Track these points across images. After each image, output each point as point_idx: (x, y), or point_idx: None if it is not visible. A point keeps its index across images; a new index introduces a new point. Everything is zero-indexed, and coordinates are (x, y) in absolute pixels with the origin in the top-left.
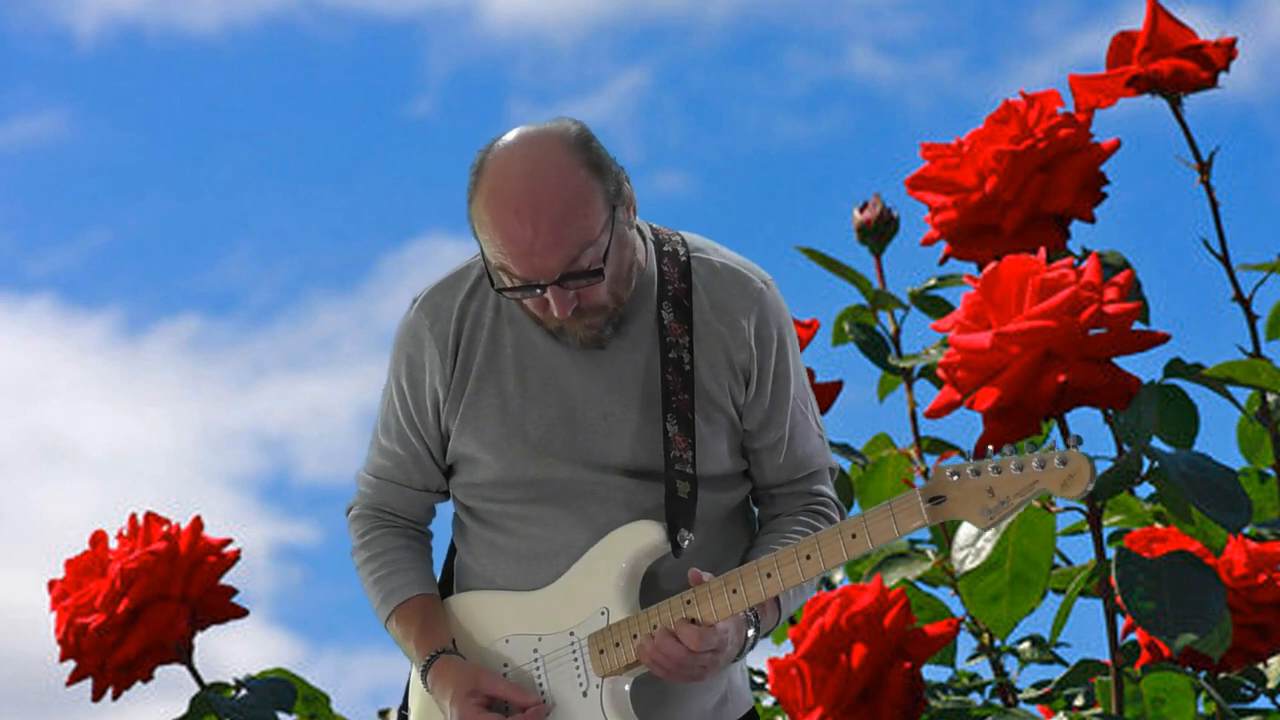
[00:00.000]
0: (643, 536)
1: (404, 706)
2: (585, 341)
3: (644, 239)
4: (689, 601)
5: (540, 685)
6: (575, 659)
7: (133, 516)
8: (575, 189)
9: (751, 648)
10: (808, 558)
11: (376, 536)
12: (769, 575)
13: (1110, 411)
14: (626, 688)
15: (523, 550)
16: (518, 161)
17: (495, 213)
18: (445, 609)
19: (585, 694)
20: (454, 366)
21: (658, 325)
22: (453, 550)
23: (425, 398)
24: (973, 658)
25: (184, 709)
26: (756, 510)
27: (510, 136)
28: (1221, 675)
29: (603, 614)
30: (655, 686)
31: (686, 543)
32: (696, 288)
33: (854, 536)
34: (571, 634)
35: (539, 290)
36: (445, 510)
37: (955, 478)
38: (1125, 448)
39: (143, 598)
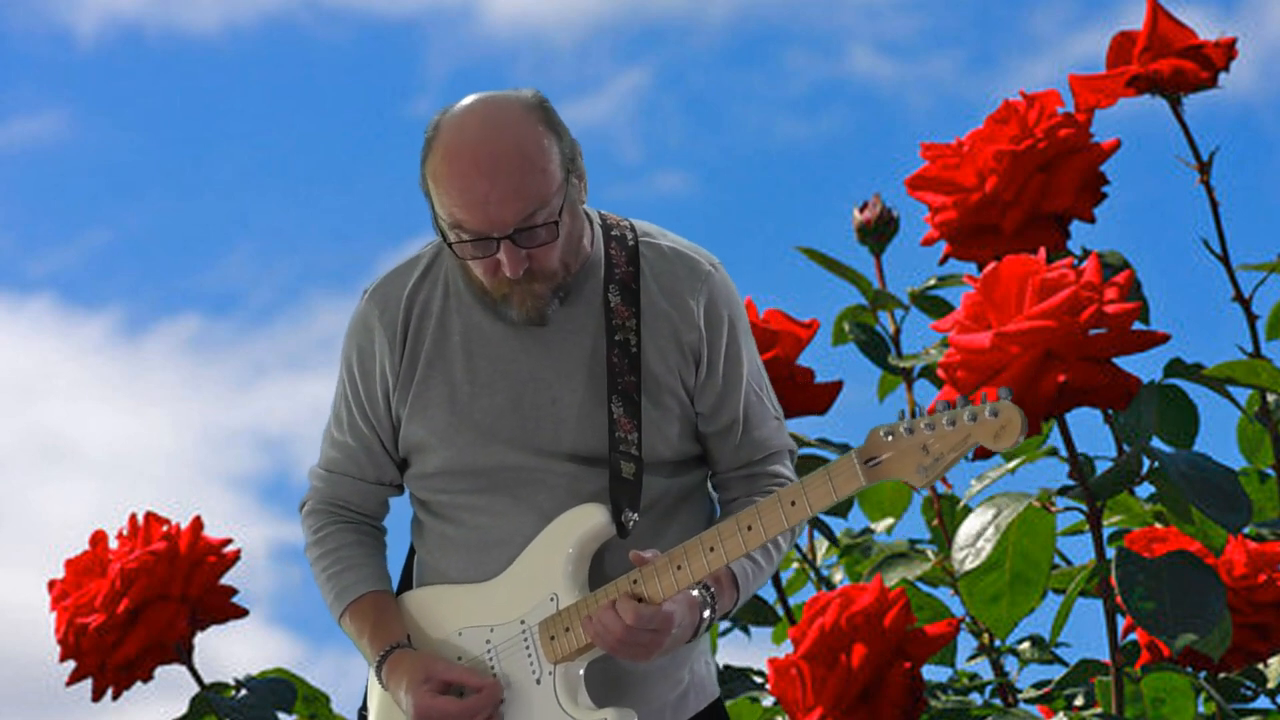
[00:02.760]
0: (587, 519)
1: (363, 707)
2: (529, 314)
3: (590, 222)
4: (635, 581)
5: (495, 676)
6: (527, 647)
7: (133, 516)
8: (533, 145)
9: (708, 628)
10: (749, 528)
11: (330, 533)
12: (712, 549)
13: (1110, 411)
14: (580, 672)
15: (473, 540)
16: (476, 119)
17: (452, 165)
18: (399, 606)
19: (539, 681)
20: (402, 354)
21: (604, 308)
22: (412, 552)
23: (376, 387)
24: (973, 658)
25: (184, 709)
26: (716, 495)
27: (467, 100)
28: (1221, 675)
29: (552, 600)
30: (610, 678)
31: (631, 523)
32: (644, 271)
33: (793, 504)
34: (522, 623)
35: (492, 245)
36: (405, 514)
37: (890, 438)
38: (1125, 448)
39: (143, 598)
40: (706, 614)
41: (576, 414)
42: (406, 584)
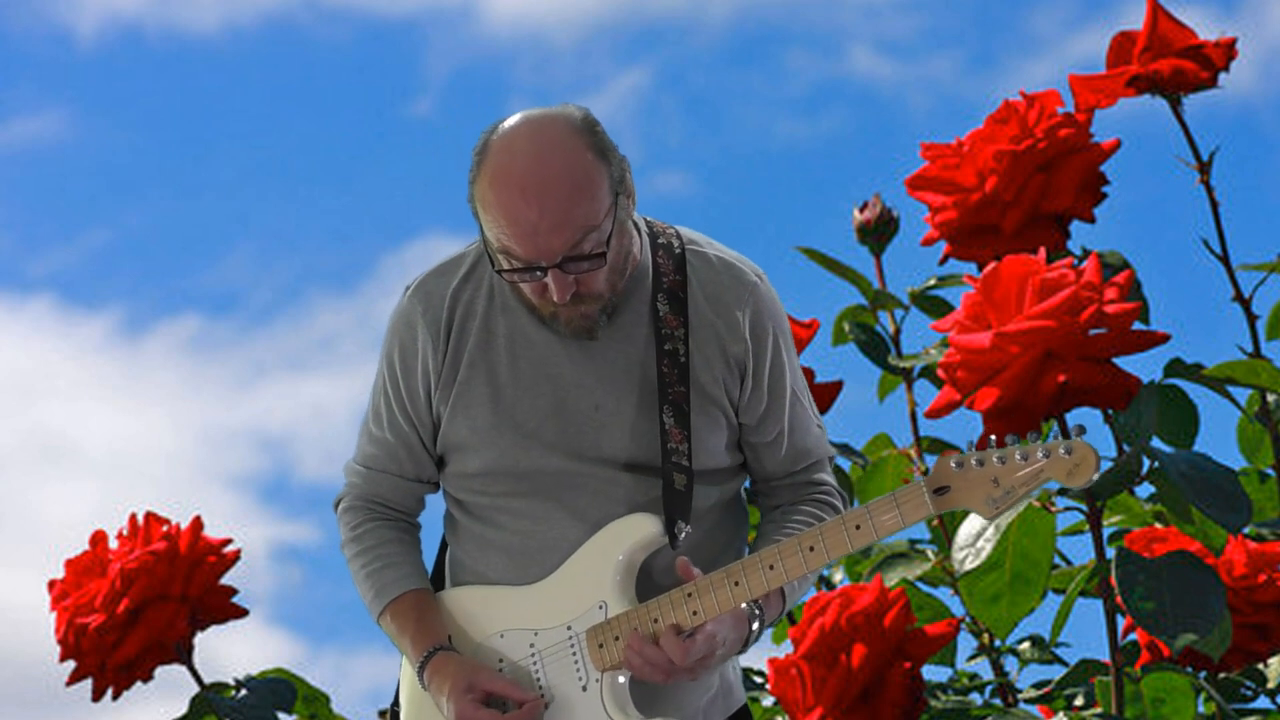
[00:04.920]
0: (639, 529)
1: (395, 703)
2: (578, 331)
3: (639, 231)
4: (690, 594)
5: (538, 680)
6: (574, 654)
7: (133, 516)
8: (582, 171)
9: (756, 640)
10: (811, 549)
11: (369, 529)
12: (771, 567)
13: (1110, 411)
14: (624, 681)
15: (514, 544)
16: (524, 143)
17: (500, 193)
18: (440, 604)
19: (585, 689)
20: (445, 353)
21: (652, 317)
22: (444, 546)
23: (417, 384)
24: (973, 658)
25: (184, 709)
26: (758, 501)
27: (515, 119)
28: (1221, 675)
29: (600, 608)
30: (647, 684)
31: (684, 535)
32: (691, 280)
33: (858, 528)
34: (569, 628)
35: (539, 273)
36: (436, 505)
37: (959, 468)
38: (1125, 448)
39: (143, 598)
40: (755, 626)
41: (620, 422)
42: (439, 577)
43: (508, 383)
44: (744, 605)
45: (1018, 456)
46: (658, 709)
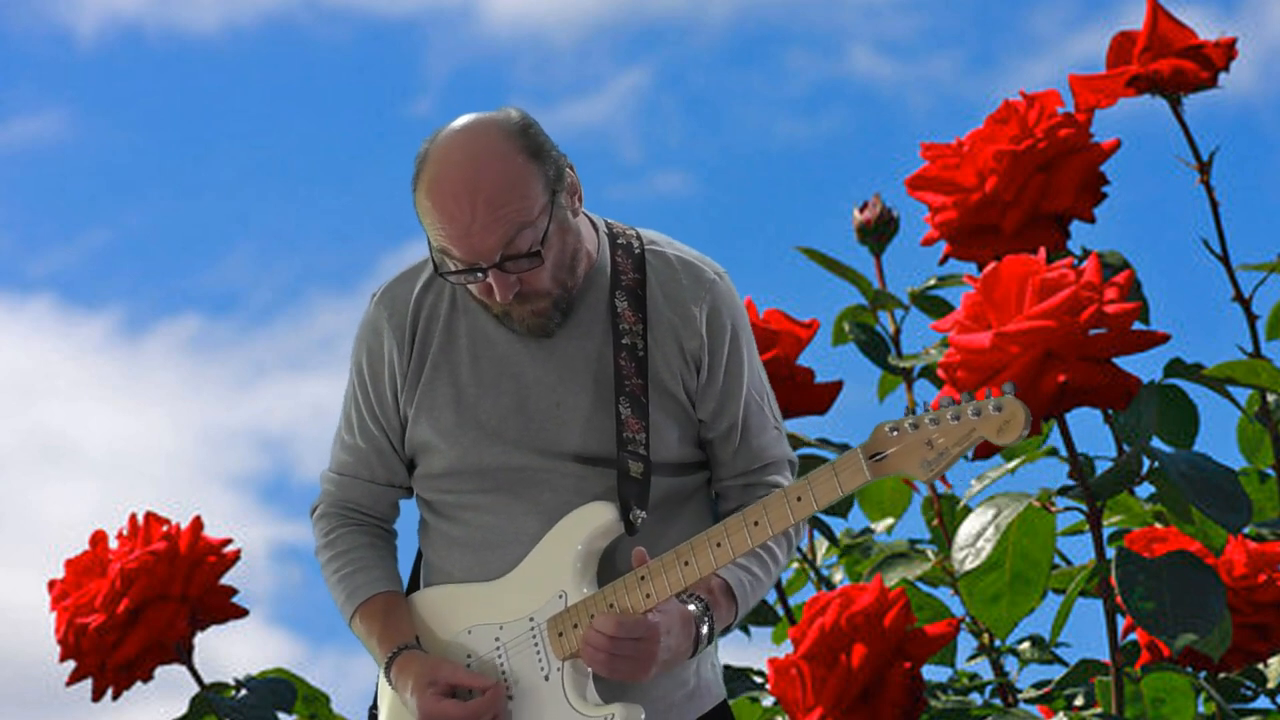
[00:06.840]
0: (596, 517)
1: (374, 707)
2: (532, 329)
3: (597, 231)
4: (643, 577)
5: (503, 673)
6: (535, 644)
7: (133, 516)
8: (513, 172)
9: (708, 644)
10: (755, 523)
11: (341, 534)
12: (719, 545)
13: (1110, 411)
14: (588, 669)
15: (476, 540)
16: (457, 150)
17: (435, 198)
18: (409, 606)
19: (547, 678)
20: (410, 356)
21: (610, 314)
22: (419, 556)
23: (385, 388)
24: (973, 658)
25: (184, 709)
26: (717, 507)
27: (453, 125)
28: (1221, 675)
29: (560, 597)
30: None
31: (640, 521)
32: (650, 278)
33: (799, 499)
34: (531, 619)
35: (481, 274)
36: (414, 516)
37: (894, 433)
38: (1125, 448)
39: (143, 598)
40: (704, 629)
41: (580, 418)
42: (414, 588)
43: (469, 383)
44: (692, 608)
45: (949, 417)
46: (624, 699)
